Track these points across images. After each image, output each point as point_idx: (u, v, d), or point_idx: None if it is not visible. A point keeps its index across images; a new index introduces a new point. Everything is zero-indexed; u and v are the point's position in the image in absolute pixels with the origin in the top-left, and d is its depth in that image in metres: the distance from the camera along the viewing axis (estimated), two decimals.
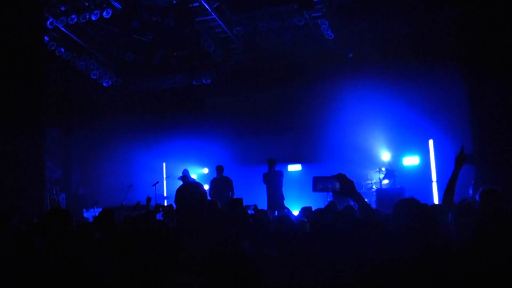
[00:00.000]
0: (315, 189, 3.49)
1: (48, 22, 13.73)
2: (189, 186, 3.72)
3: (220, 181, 12.97)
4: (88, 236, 4.83)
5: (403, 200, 3.62)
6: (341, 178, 3.45)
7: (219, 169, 13.09)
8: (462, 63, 11.79)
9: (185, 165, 15.80)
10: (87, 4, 13.80)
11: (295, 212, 10.40)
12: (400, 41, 14.46)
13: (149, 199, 10.79)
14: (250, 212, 6.40)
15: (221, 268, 2.67)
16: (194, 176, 15.28)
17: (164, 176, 17.65)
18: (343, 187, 3.44)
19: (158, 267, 3.21)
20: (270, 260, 3.96)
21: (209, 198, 11.11)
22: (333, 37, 14.61)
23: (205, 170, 17.44)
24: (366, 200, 3.65)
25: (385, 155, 15.41)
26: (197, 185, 3.59)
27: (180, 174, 14.59)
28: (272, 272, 3.75)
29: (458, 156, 5.03)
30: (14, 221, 7.36)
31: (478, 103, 11.48)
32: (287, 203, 12.58)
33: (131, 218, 7.46)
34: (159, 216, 7.93)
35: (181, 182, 13.50)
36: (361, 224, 3.91)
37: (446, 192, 4.72)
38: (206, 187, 15.95)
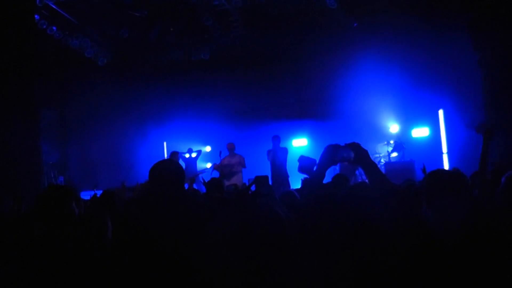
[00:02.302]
0: None
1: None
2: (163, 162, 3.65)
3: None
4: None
5: None
6: (355, 146, 3.29)
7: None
8: (472, 29, 11.35)
9: (187, 143, 15.47)
10: None
11: None
12: (406, 8, 13.92)
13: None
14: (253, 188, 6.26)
15: (261, 238, 2.37)
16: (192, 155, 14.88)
17: (165, 156, 17.34)
18: (357, 156, 3.26)
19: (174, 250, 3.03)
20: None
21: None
22: (336, 6, 14.04)
23: (208, 148, 17.13)
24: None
25: (393, 127, 15.11)
26: (170, 161, 3.68)
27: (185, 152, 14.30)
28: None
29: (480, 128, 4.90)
30: (5, 208, 7.02)
31: (489, 70, 11.10)
32: (291, 181, 12.27)
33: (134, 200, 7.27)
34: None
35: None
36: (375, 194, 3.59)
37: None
38: (209, 165, 15.71)
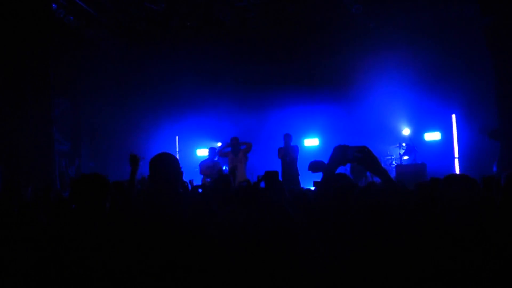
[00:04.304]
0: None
1: None
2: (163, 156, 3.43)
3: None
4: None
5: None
6: (363, 149, 3.29)
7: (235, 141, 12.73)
8: (488, 33, 11.28)
9: (198, 138, 15.48)
10: None
11: None
12: (424, 9, 13.88)
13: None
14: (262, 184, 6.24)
15: (266, 233, 2.37)
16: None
17: (177, 149, 17.37)
18: (364, 159, 3.27)
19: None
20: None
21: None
22: (354, 5, 13.96)
23: (218, 144, 17.15)
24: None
25: (406, 130, 15.05)
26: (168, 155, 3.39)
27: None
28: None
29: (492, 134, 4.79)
30: (27, 194, 7.08)
31: (503, 75, 11.03)
32: (301, 179, 12.23)
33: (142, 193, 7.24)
34: None
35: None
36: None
37: None
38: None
